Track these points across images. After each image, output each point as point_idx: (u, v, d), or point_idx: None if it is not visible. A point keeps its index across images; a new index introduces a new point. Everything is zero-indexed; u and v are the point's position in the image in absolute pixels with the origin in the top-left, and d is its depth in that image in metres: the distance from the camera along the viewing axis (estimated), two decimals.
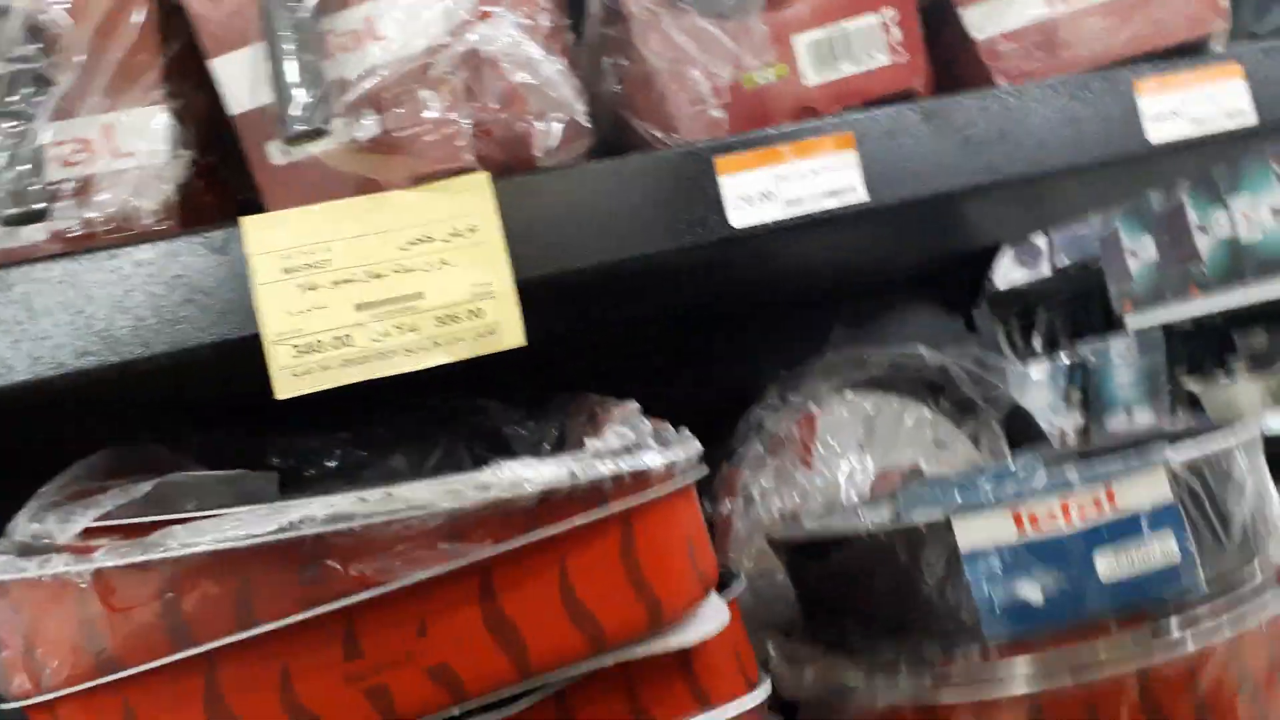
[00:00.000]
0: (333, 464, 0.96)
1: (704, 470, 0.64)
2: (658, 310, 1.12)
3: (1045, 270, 3.51)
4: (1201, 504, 0.66)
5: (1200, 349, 3.07)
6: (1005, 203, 0.98)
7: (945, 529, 0.67)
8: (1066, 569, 0.65)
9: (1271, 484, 0.74)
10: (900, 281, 1.21)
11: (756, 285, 1.10)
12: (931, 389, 1.15)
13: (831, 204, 0.67)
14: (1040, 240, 3.49)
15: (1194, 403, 2.94)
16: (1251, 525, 0.68)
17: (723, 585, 0.68)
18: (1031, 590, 0.66)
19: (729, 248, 0.67)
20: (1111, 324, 3.27)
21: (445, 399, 0.99)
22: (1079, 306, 3.71)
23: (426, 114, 0.68)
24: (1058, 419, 3.48)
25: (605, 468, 0.54)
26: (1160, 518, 0.65)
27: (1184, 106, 0.75)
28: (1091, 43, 0.78)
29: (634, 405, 0.70)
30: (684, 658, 0.58)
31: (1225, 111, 0.76)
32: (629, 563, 0.55)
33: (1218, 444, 0.68)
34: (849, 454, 1.14)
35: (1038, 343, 3.78)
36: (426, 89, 0.68)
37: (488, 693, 0.53)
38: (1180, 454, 0.66)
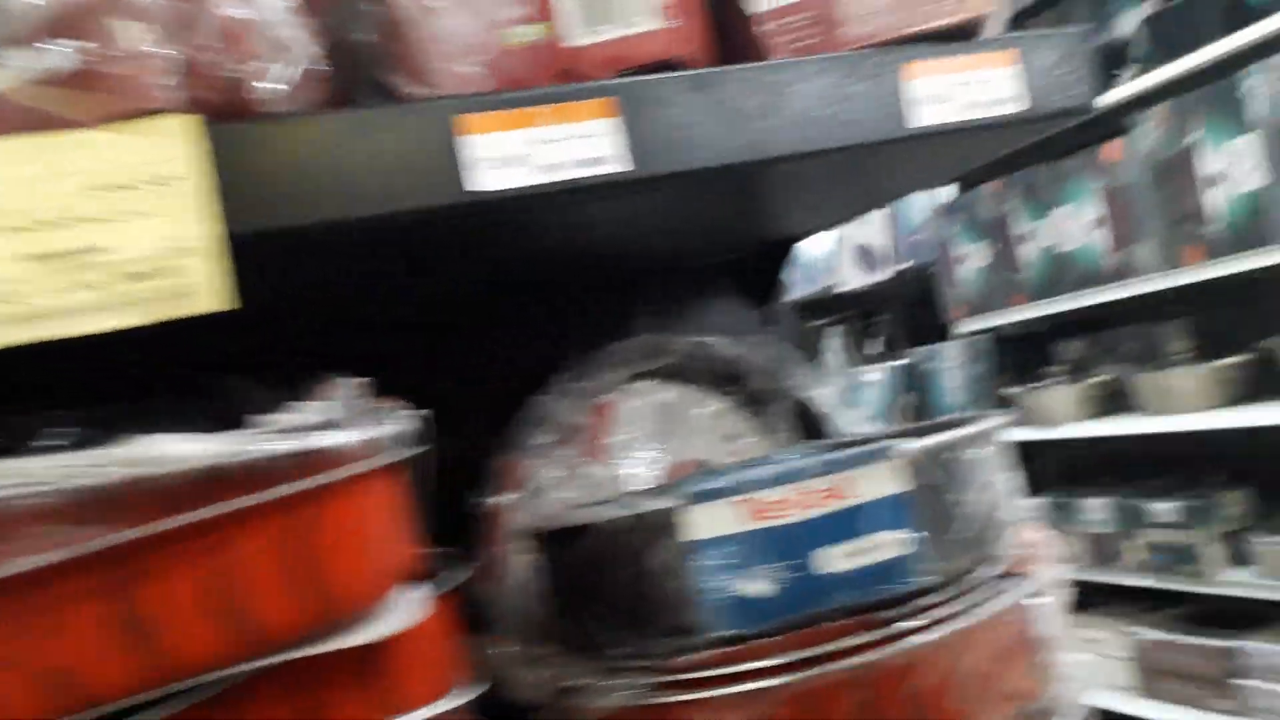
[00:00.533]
0: (59, 444, 0.87)
1: (405, 453, 0.59)
2: (450, 287, 1.06)
3: (886, 274, 3.59)
4: (932, 498, 0.65)
5: (1024, 356, 3.19)
6: (804, 190, 0.96)
7: (673, 518, 0.64)
8: (794, 561, 0.63)
9: (1009, 481, 0.74)
10: (703, 271, 1.19)
11: (548, 263, 1.06)
12: (727, 381, 1.13)
13: (591, 172, 0.63)
14: (882, 242, 3.57)
15: (1013, 408, 3.06)
16: (983, 521, 0.68)
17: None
18: (757, 583, 0.63)
19: (484, 214, 0.62)
20: (947, 330, 3.37)
21: (195, 376, 0.91)
22: (918, 311, 3.82)
23: (123, 46, 0.61)
24: (891, 423, 3.57)
25: (273, 446, 0.48)
26: (889, 511, 0.64)
27: (955, 91, 0.74)
28: (868, 21, 0.77)
29: (354, 381, 0.64)
30: (368, 658, 0.53)
31: (997, 98, 0.75)
32: (298, 553, 0.49)
33: (950, 439, 0.67)
34: (642, 445, 1.11)
35: (877, 346, 3.88)
36: (124, 18, 0.61)
37: (119, 700, 0.46)
38: (911, 447, 0.64)
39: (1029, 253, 2.88)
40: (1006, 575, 0.71)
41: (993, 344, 3.17)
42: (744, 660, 0.64)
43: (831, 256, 3.74)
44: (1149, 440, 2.69)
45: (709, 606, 0.63)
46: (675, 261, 1.16)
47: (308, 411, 0.54)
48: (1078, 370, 2.95)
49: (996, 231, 2.96)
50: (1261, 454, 2.62)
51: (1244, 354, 2.46)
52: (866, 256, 3.67)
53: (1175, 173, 2.44)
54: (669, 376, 1.11)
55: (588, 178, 0.63)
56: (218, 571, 0.47)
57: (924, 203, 3.32)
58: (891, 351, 3.84)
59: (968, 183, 3.16)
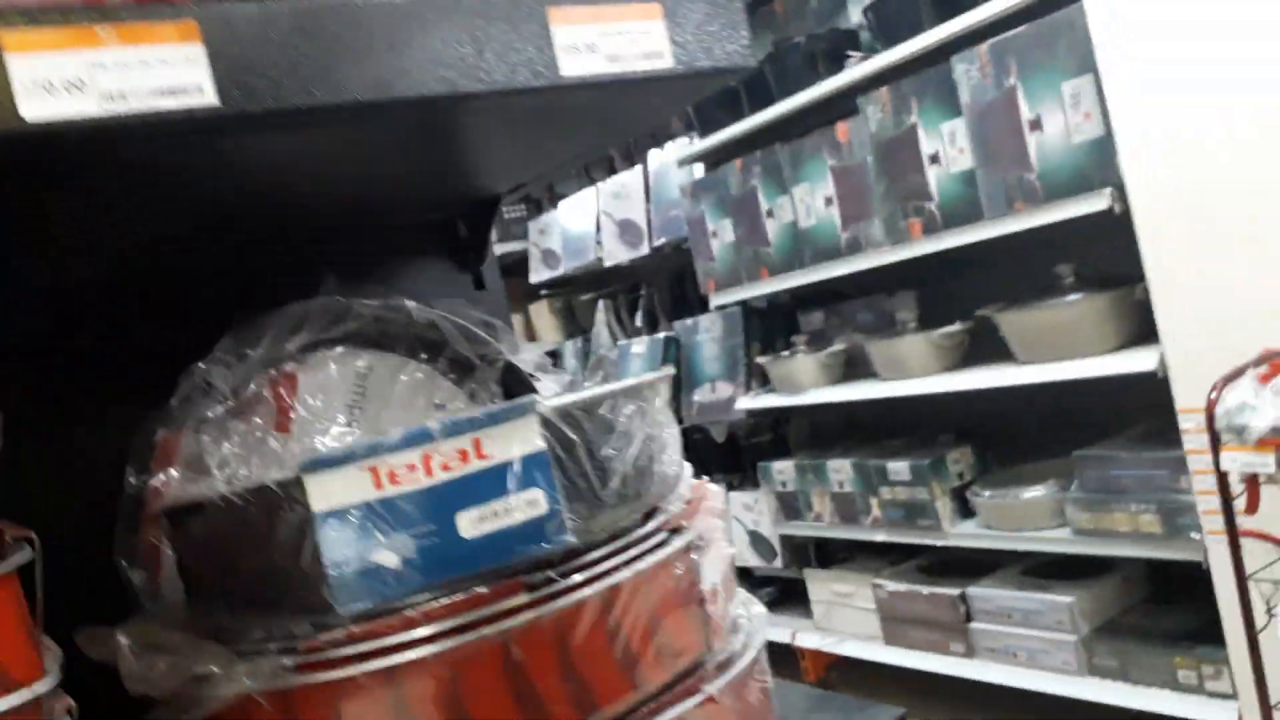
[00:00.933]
0: None
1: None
2: (93, 238, 0.96)
3: (645, 249, 3.64)
4: (576, 452, 0.63)
5: (772, 327, 3.32)
6: (493, 143, 0.93)
7: (298, 487, 0.59)
8: (428, 527, 0.60)
9: (670, 436, 0.74)
10: (401, 230, 1.13)
11: (212, 212, 0.97)
12: (429, 347, 1.08)
13: (169, 104, 0.56)
14: (638, 219, 3.61)
15: (764, 377, 3.18)
16: (635, 475, 0.67)
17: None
18: (389, 553, 0.60)
19: (38, 148, 0.54)
20: (707, 302, 3.44)
21: None
22: (679, 285, 3.89)
23: None
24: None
25: None
26: (528, 470, 0.61)
27: (602, 42, 0.73)
28: None
29: None
30: None
31: (644, 52, 0.74)
32: None
33: (590, 396, 0.66)
34: (336, 416, 1.05)
35: (639, 319, 3.93)
36: None
37: None
38: (546, 404, 0.63)
39: (773, 228, 2.99)
40: (666, 529, 0.70)
41: (744, 316, 3.27)
42: (382, 635, 0.60)
43: (596, 231, 3.75)
44: (885, 404, 2.85)
45: (343, 581, 0.59)
46: (369, 219, 1.10)
47: None
48: (819, 340, 3.09)
49: (743, 208, 3.05)
50: (981, 414, 2.84)
51: (963, 322, 2.65)
52: (628, 232, 3.70)
53: (899, 153, 2.59)
54: (364, 343, 1.06)
55: (166, 111, 0.56)
56: None
57: (680, 178, 3.38)
58: (654, 324, 3.90)
59: (715, 160, 3.24)
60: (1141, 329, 2.27)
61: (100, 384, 0.97)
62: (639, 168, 3.68)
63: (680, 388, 3.55)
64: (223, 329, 0.95)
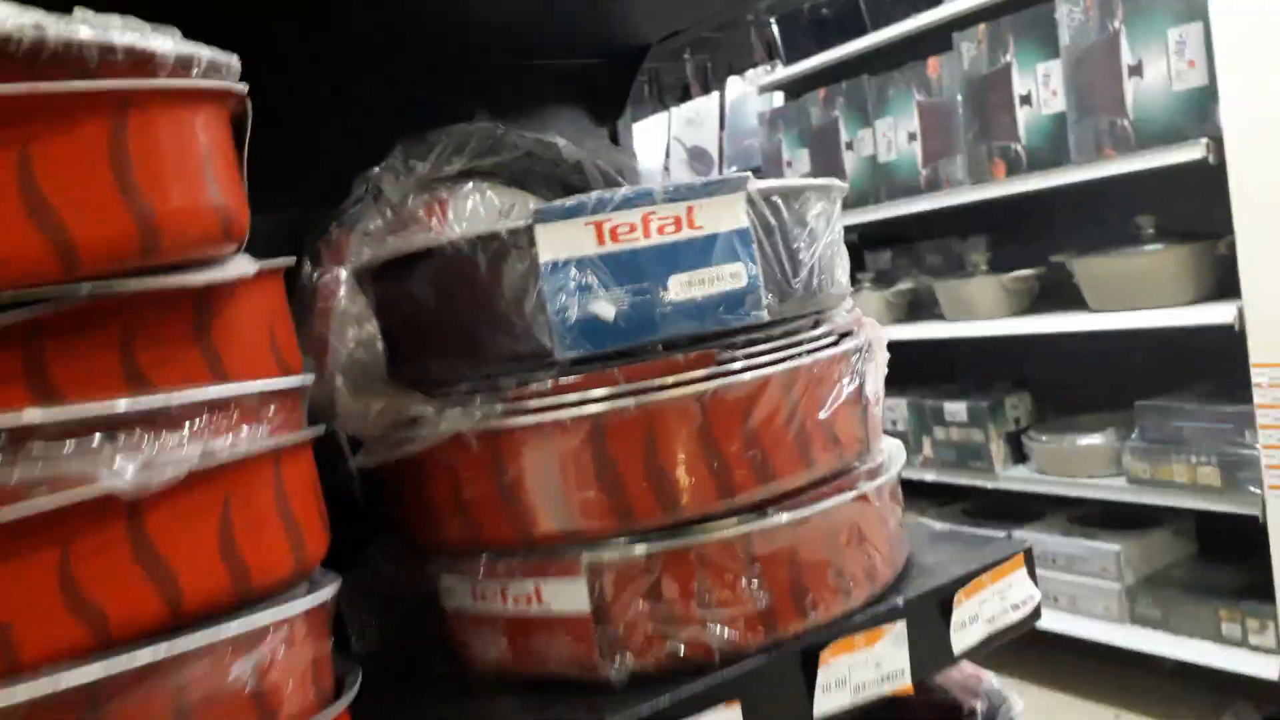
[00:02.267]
0: None
1: (229, 84, 0.55)
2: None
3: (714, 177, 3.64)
4: (774, 237, 0.67)
5: None
6: None
7: (527, 237, 0.63)
8: (642, 285, 0.64)
9: (841, 251, 0.77)
10: (549, 76, 1.16)
11: (380, 38, 1.00)
12: (569, 190, 1.12)
13: None
14: (710, 147, 3.61)
15: None
16: (817, 271, 0.70)
17: None
18: (607, 304, 0.64)
19: None
20: None
21: None
22: None
23: None
24: None
25: (87, 34, 0.43)
26: (734, 243, 0.65)
27: None
28: None
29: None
30: (198, 316, 0.50)
31: None
32: (120, 169, 0.45)
33: (794, 184, 0.69)
34: None
35: None
36: None
37: None
38: (761, 185, 0.66)
39: (851, 161, 2.99)
40: (838, 332, 0.74)
41: None
42: (586, 388, 0.64)
43: (665, 157, 3.76)
44: (947, 347, 2.87)
45: (564, 329, 0.63)
46: (516, 58, 1.13)
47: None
48: (885, 279, 3.10)
49: (822, 139, 3.05)
50: (1042, 360, 2.86)
51: (1036, 268, 2.66)
52: (699, 159, 3.71)
53: (990, 91, 2.58)
54: (509, 179, 1.09)
55: None
56: (32, 173, 0.43)
57: (758, 106, 3.38)
58: None
59: (797, 90, 3.23)
60: (1220, 284, 2.27)
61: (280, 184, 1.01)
62: (715, 95, 3.68)
63: None
64: (390, 144, 0.99)
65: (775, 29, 3.19)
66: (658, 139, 3.90)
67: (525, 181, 1.10)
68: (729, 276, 0.65)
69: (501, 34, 1.04)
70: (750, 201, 0.65)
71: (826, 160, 3.05)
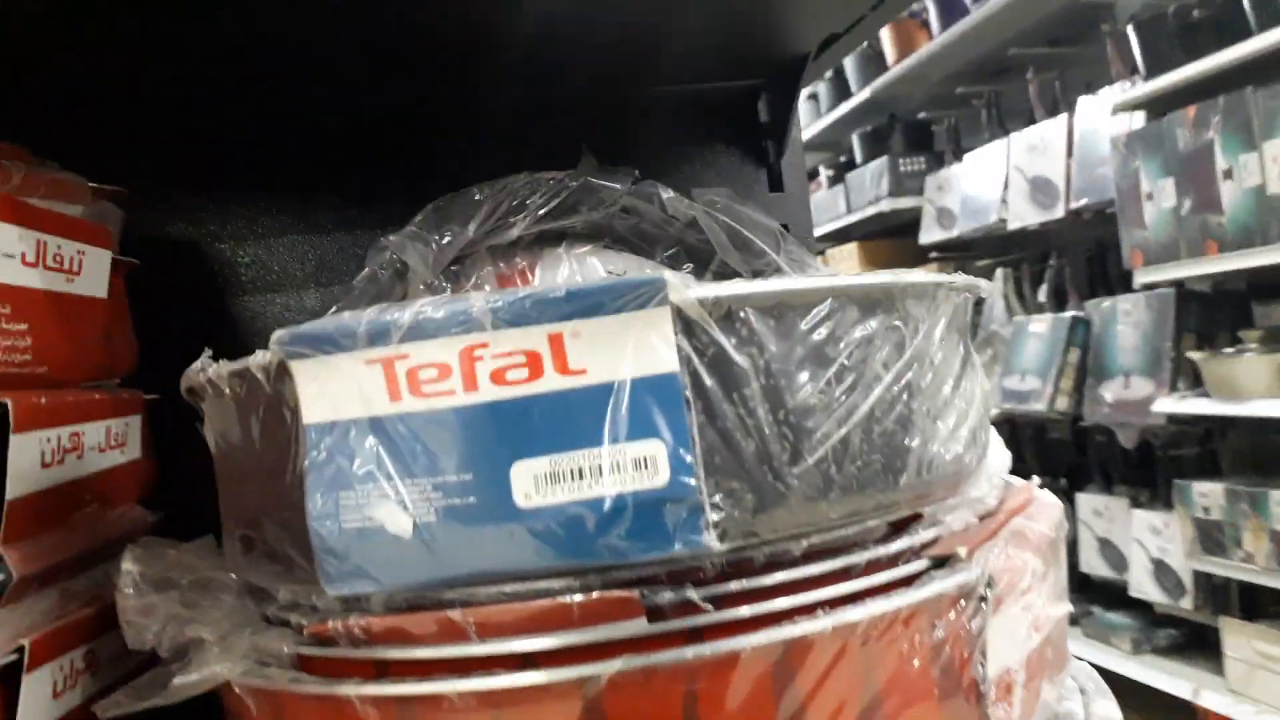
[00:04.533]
0: None
1: None
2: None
3: (1059, 211, 3.11)
4: (744, 389, 0.35)
5: (1214, 316, 2.67)
6: None
7: (283, 377, 0.37)
8: (463, 478, 0.35)
9: (962, 397, 0.42)
10: (682, 104, 0.88)
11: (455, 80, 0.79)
12: (693, 254, 0.83)
13: None
14: (1056, 178, 3.08)
15: (1196, 377, 2.57)
16: (869, 449, 0.37)
17: None
18: (399, 512, 0.35)
19: None
20: (1128, 279, 2.87)
21: None
22: (1095, 256, 3.32)
23: None
24: (1048, 381, 3.14)
25: None
26: (645, 402, 0.34)
27: None
28: None
29: None
30: None
31: None
32: None
33: (793, 286, 0.36)
34: None
35: (1044, 293, 3.40)
36: None
37: None
38: (708, 290, 0.34)
39: (1230, 193, 2.37)
40: (923, 555, 0.40)
41: (1177, 300, 2.66)
42: (405, 642, 0.37)
43: (1003, 189, 3.29)
44: None
45: (333, 546, 0.36)
46: (638, 85, 0.86)
47: None
48: (1273, 339, 2.43)
49: (1193, 167, 2.45)
50: None
51: None
52: (1042, 191, 3.19)
53: None
54: (618, 240, 0.83)
55: None
56: None
57: (1113, 129, 2.82)
58: (1061, 301, 3.37)
59: (1161, 108, 2.64)
60: None
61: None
62: (1062, 118, 3.15)
63: (1084, 379, 3.02)
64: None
65: (1133, 37, 2.64)
66: (996, 169, 3.43)
67: (634, 241, 0.83)
68: (634, 465, 0.34)
69: (612, 61, 0.79)
70: (683, 324, 0.34)
71: (1198, 192, 2.45)
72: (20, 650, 0.42)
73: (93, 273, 0.56)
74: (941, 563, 0.40)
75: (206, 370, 0.40)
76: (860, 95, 3.72)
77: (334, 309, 0.72)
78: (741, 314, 0.35)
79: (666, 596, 0.36)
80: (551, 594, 0.36)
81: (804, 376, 0.36)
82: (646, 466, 0.34)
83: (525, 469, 0.34)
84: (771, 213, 0.89)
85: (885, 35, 3.35)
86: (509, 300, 0.33)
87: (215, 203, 0.79)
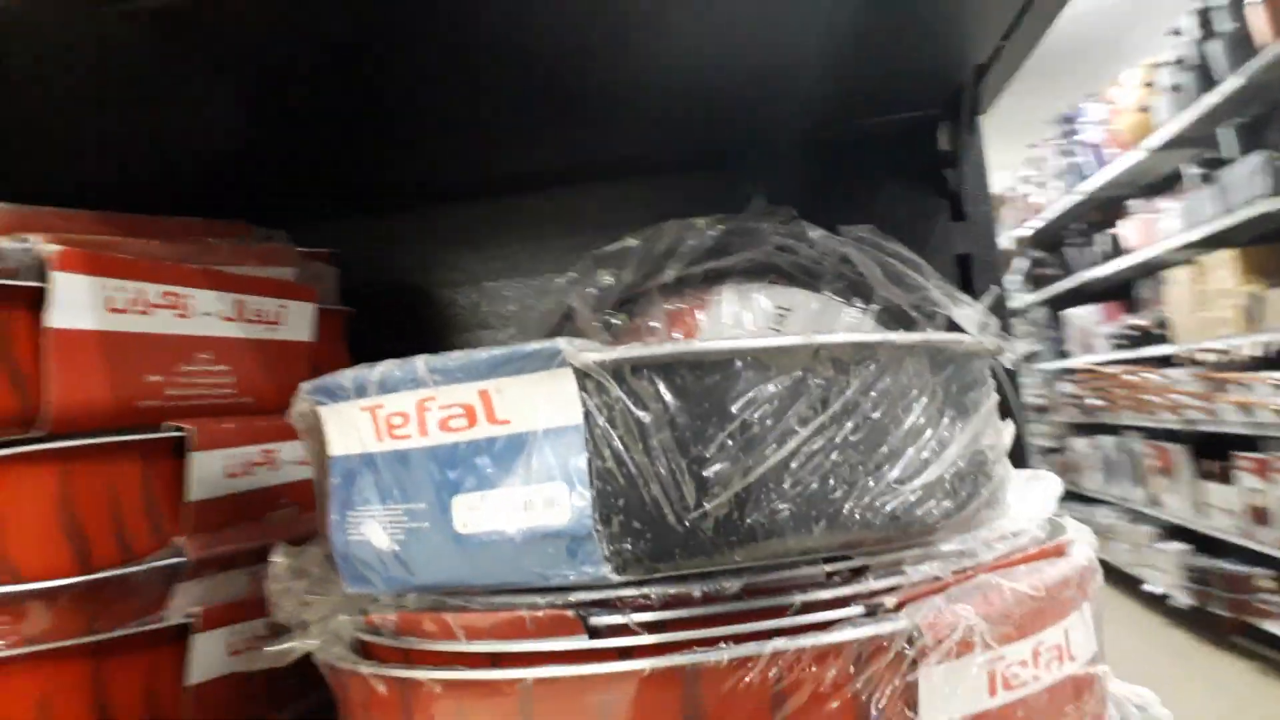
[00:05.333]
0: None
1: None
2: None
3: None
4: (648, 440, 0.39)
5: None
6: None
7: (315, 418, 0.47)
8: (417, 505, 0.42)
9: (942, 434, 0.43)
10: (853, 141, 0.90)
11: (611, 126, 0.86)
12: (859, 289, 0.85)
13: None
14: None
15: None
16: (779, 493, 0.40)
17: None
18: (377, 531, 0.44)
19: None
20: None
21: None
22: None
23: None
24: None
25: None
26: (550, 450, 0.40)
27: None
28: None
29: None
30: None
31: None
32: None
33: (691, 348, 0.40)
34: None
35: None
36: None
37: None
38: (606, 353, 0.39)
39: None
40: (845, 600, 0.42)
41: None
42: (419, 635, 0.45)
43: None
44: None
45: (342, 550, 0.46)
46: (805, 124, 0.89)
47: None
48: None
49: None
50: None
51: None
52: None
53: None
54: (784, 274, 0.86)
55: None
56: None
57: None
58: None
59: None
60: None
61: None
62: None
63: None
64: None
65: None
66: None
67: (804, 278, 0.86)
68: (542, 503, 0.40)
69: (778, 104, 0.83)
70: (583, 380, 0.39)
71: None
72: (191, 615, 0.56)
73: (295, 322, 0.71)
74: (873, 611, 0.41)
75: (292, 411, 0.51)
76: (1228, 83, 3.31)
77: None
78: (643, 372, 0.39)
79: (603, 619, 0.41)
80: (513, 608, 0.43)
81: (705, 429, 0.39)
82: (553, 505, 0.40)
83: (462, 501, 0.41)
84: (954, 241, 0.88)
85: (1256, 13, 2.96)
86: (444, 363, 0.41)
87: (439, 254, 0.93)
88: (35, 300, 0.51)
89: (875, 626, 0.40)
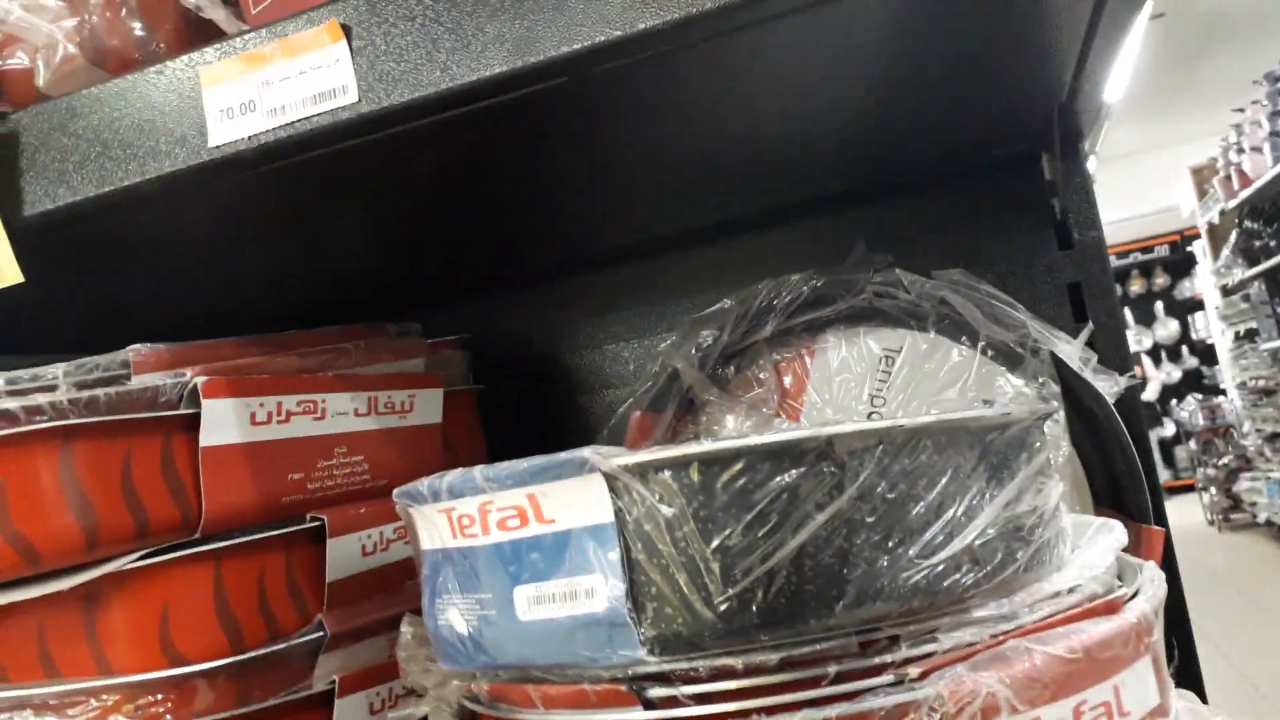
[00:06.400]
0: None
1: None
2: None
3: None
4: (676, 533, 0.44)
5: None
6: None
7: (408, 515, 0.54)
8: (487, 595, 0.48)
9: (972, 510, 0.45)
10: (972, 176, 0.90)
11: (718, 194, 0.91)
12: (964, 329, 0.85)
13: (320, 109, 0.55)
14: None
15: None
16: (790, 570, 0.43)
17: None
18: (457, 617, 0.50)
19: (214, 174, 0.59)
20: None
21: None
22: None
23: None
24: None
25: None
26: (587, 546, 0.45)
27: None
28: None
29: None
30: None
31: None
32: None
33: (712, 448, 0.44)
34: (855, 406, 0.91)
35: None
36: None
37: None
38: (631, 457, 0.44)
39: None
40: (876, 669, 0.44)
41: None
42: (512, 703, 0.51)
43: None
44: None
45: (435, 632, 0.52)
46: (905, 169, 0.90)
47: None
48: None
49: None
50: None
51: None
52: None
53: None
54: (888, 319, 0.88)
55: (319, 115, 0.54)
56: None
57: None
58: None
59: None
60: None
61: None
62: None
63: None
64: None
65: None
66: None
67: (907, 319, 0.87)
68: (584, 594, 0.44)
69: (873, 149, 0.85)
70: (613, 482, 0.44)
71: None
72: (334, 682, 0.64)
73: (425, 408, 0.79)
74: (901, 680, 0.44)
75: (396, 506, 0.58)
76: None
77: (622, 409, 0.89)
78: (664, 472, 0.44)
79: (655, 692, 0.46)
80: (581, 680, 0.48)
81: (725, 521, 0.43)
82: (593, 595, 0.44)
83: (522, 592, 0.47)
84: (1063, 271, 0.87)
85: None
86: (496, 472, 0.47)
87: (564, 323, 1.00)
88: (192, 424, 0.61)
89: (899, 695, 0.43)
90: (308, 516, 0.66)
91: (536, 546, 0.46)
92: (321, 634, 0.64)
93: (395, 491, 0.53)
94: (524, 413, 0.97)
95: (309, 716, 0.63)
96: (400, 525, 0.74)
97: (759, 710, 0.44)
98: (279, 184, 0.63)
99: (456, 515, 0.49)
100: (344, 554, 0.67)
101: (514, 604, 0.47)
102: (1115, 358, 0.82)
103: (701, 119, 0.67)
